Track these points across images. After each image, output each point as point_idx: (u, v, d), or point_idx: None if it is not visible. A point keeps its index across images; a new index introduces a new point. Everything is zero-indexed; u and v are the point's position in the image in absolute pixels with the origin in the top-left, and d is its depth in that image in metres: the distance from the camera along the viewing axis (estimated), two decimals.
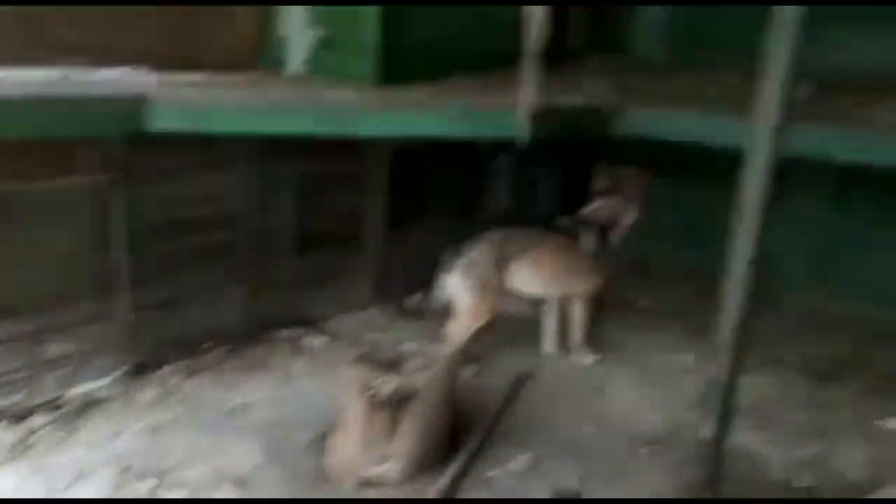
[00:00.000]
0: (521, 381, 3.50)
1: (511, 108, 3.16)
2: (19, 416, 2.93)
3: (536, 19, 2.86)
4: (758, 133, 2.06)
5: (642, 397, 3.46)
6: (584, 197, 5.80)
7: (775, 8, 1.95)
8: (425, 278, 4.63)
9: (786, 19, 1.94)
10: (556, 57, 5.04)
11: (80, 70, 3.56)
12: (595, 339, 4.07)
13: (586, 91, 4.19)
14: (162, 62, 3.86)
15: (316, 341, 3.83)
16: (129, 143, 3.02)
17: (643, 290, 4.82)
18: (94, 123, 2.84)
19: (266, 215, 3.73)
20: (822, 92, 3.95)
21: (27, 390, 3.05)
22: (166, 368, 3.40)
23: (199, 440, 2.89)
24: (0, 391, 2.99)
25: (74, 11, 3.65)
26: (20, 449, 2.74)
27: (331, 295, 4.40)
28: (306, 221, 3.98)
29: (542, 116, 3.14)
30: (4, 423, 2.88)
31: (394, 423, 2.66)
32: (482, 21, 4.43)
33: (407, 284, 4.52)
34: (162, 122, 2.91)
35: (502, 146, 4.83)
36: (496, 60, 4.33)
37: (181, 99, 3.03)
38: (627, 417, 3.28)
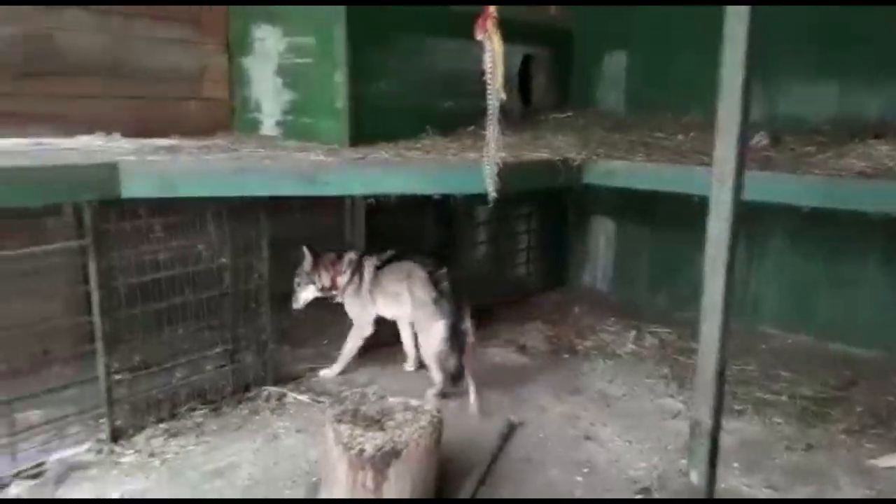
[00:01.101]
0: (510, 429, 3.50)
1: (478, 164, 3.26)
2: None
3: (495, 78, 2.96)
4: (716, 180, 2.14)
5: (630, 444, 3.47)
6: (560, 245, 5.96)
7: (724, 59, 2.07)
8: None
9: (734, 72, 2.05)
10: (524, 112, 5.27)
11: (51, 138, 3.64)
12: (580, 384, 4.11)
13: (553, 145, 4.33)
14: (135, 127, 3.96)
15: (299, 398, 3.80)
16: (100, 209, 3.03)
17: (626, 334, 4.86)
18: (64, 191, 2.87)
19: (242, 275, 3.74)
20: (778, 140, 4.16)
21: (6, 458, 2.99)
22: (147, 431, 3.35)
23: None
24: None
25: (48, 81, 3.75)
26: None
27: (313, 351, 4.41)
28: (284, 279, 4.01)
29: (508, 171, 3.24)
30: None
31: (380, 480, 2.64)
32: (449, 81, 4.60)
33: (390, 336, 4.54)
34: (132, 188, 2.99)
35: (477, 200, 4.98)
36: (465, 117, 4.49)
37: (151, 166, 3.10)
38: (616, 465, 3.28)
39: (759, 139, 4.14)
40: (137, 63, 4.11)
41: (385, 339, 4.49)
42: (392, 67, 4.20)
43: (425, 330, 3.71)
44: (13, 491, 2.85)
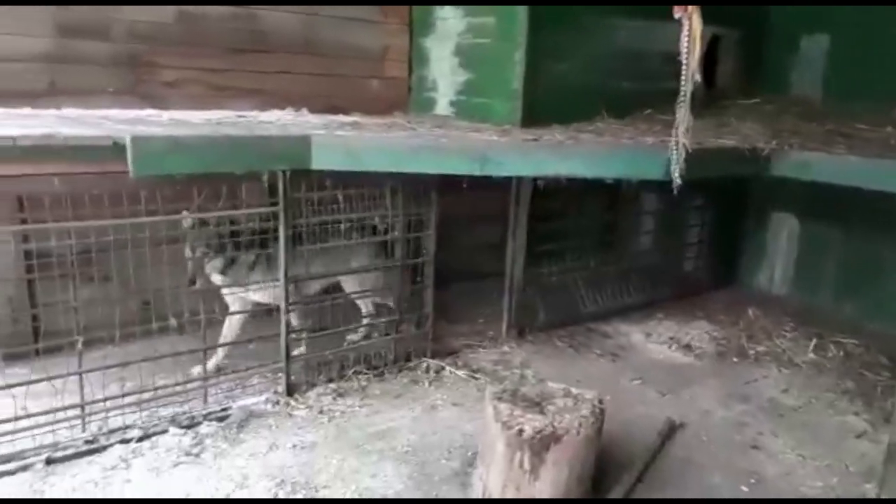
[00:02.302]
0: (671, 429, 3.36)
1: (660, 149, 3.12)
2: (189, 424, 3.18)
3: (691, 60, 2.80)
4: None
5: (804, 460, 3.20)
6: (734, 241, 5.58)
7: None
8: (564, 316, 4.62)
9: None
10: (708, 97, 4.96)
11: (250, 111, 3.96)
12: (750, 391, 3.86)
13: (740, 132, 4.05)
14: (321, 103, 4.21)
15: (456, 372, 3.88)
16: (292, 178, 3.24)
17: (805, 342, 4.49)
18: (265, 160, 3.09)
19: (411, 249, 3.87)
20: None
21: (197, 400, 3.33)
22: (317, 389, 3.59)
23: (347, 460, 3.00)
24: (174, 399, 3.29)
25: (250, 58, 4.07)
26: (191, 454, 2.97)
27: (470, 328, 4.49)
28: (448, 255, 4.09)
29: (694, 157, 3.06)
30: (175, 428, 3.14)
31: (537, 463, 2.64)
32: (628, 62, 4.44)
33: (544, 322, 4.52)
34: (322, 160, 3.14)
35: (648, 187, 4.78)
36: (642, 100, 4.32)
37: (339, 140, 3.24)
38: (787, 479, 3.04)
39: None
40: (327, 42, 4.36)
41: (541, 323, 4.49)
42: (570, 48, 4.12)
43: None
44: (203, 430, 3.16)
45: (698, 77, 2.72)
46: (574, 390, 2.90)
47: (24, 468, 2.79)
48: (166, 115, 3.62)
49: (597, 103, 4.18)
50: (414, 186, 3.69)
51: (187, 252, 3.35)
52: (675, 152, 2.95)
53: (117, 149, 2.67)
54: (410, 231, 3.83)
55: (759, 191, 5.30)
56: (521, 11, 3.80)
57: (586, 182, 3.48)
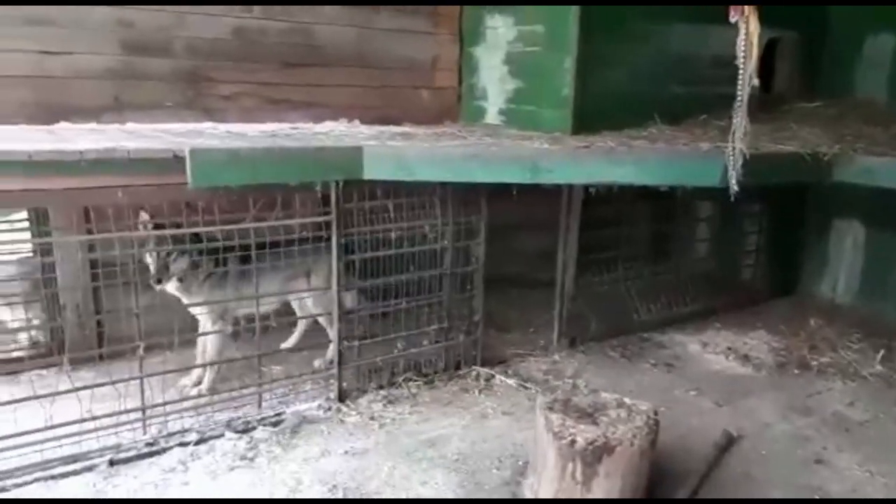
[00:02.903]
0: (728, 441, 3.26)
1: (716, 155, 3.05)
2: (244, 429, 3.25)
3: (748, 64, 2.73)
4: None
5: (871, 476, 3.06)
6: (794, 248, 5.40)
7: None
8: (616, 326, 4.55)
9: None
10: (765, 101, 4.83)
11: (304, 123, 4.05)
12: (813, 404, 3.72)
13: (800, 137, 3.94)
14: (372, 114, 4.27)
15: (507, 381, 3.86)
16: (345, 188, 3.29)
17: (872, 353, 4.32)
18: (319, 171, 3.15)
19: (461, 257, 3.87)
20: None
21: (252, 406, 3.40)
22: (368, 396, 3.61)
23: (398, 467, 3.01)
24: (231, 404, 3.37)
25: (305, 72, 4.17)
26: (246, 458, 3.03)
27: (520, 337, 4.46)
28: (499, 264, 4.08)
29: (751, 163, 2.99)
30: (231, 433, 3.21)
31: (590, 475, 2.60)
32: (681, 67, 4.37)
33: (596, 331, 4.46)
34: (373, 171, 3.18)
35: (703, 194, 4.68)
36: (696, 106, 4.24)
37: (390, 150, 3.28)
38: (854, 496, 2.92)
39: None
40: (378, 53, 4.43)
41: (593, 332, 4.43)
42: (621, 54, 4.08)
43: None
44: (258, 435, 3.22)
45: (756, 81, 2.65)
46: (628, 401, 2.85)
47: (89, 468, 2.89)
48: (223, 127, 3.73)
49: (649, 109, 4.12)
50: (463, 195, 3.70)
51: (148, 255, 3.23)
52: (731, 158, 2.88)
53: (177, 161, 2.76)
54: (460, 239, 3.83)
55: (820, 196, 5.12)
56: (572, 19, 3.78)
57: (639, 189, 3.43)
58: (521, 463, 3.05)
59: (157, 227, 3.15)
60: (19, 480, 2.78)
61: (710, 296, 5.05)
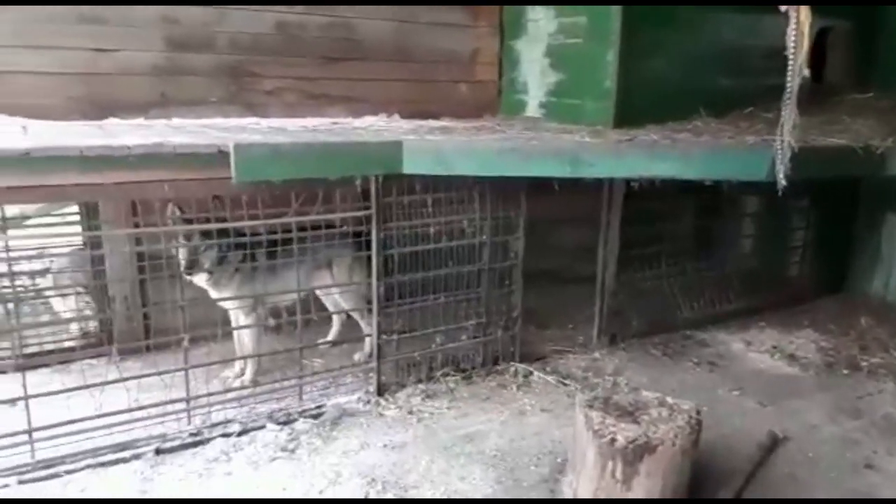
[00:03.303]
0: (773, 442, 3.19)
1: (763, 149, 2.97)
2: (285, 421, 3.29)
3: (798, 54, 2.65)
4: None
5: None
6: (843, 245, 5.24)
7: None
8: (658, 323, 4.48)
9: None
10: (816, 93, 4.68)
11: (343, 118, 4.07)
12: (863, 406, 3.61)
13: (851, 129, 3.81)
14: (411, 108, 4.27)
15: (545, 378, 3.84)
16: (384, 183, 3.30)
17: None
18: (359, 166, 3.16)
19: (499, 252, 3.85)
20: None
21: (293, 398, 3.45)
22: (407, 390, 3.63)
23: (436, 461, 3.02)
24: (272, 396, 3.42)
25: (345, 66, 4.19)
26: (287, 450, 3.08)
27: (559, 333, 4.42)
28: (538, 259, 4.05)
29: (800, 157, 2.89)
30: (273, 424, 3.26)
31: (630, 474, 2.57)
32: (727, 58, 4.26)
33: (637, 329, 4.40)
34: (413, 165, 3.18)
35: (748, 188, 4.57)
36: (742, 98, 4.14)
37: (430, 144, 3.28)
38: None
39: None
40: (418, 48, 4.43)
41: (634, 330, 4.37)
42: (665, 45, 3.99)
43: None
44: (299, 426, 3.27)
45: (806, 72, 2.57)
46: (669, 400, 2.81)
47: (137, 457, 2.96)
48: (265, 122, 3.78)
49: (694, 102, 4.03)
50: (502, 189, 3.67)
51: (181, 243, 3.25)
52: (780, 152, 2.80)
53: (221, 156, 2.81)
54: (499, 234, 3.81)
55: (872, 191, 4.95)
56: (615, 10, 3.72)
57: (682, 183, 3.36)
58: (559, 460, 3.03)
59: (186, 220, 3.20)
60: (71, 467, 2.86)
61: (754, 293, 4.94)
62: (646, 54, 3.92)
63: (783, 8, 2.48)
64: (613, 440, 2.56)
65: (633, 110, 3.86)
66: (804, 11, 2.45)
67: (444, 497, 2.79)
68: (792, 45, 2.50)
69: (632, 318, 4.39)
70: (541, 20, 4.29)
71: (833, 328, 4.62)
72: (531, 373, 3.89)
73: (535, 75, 4.43)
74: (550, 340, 4.32)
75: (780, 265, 5.27)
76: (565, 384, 3.77)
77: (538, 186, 3.59)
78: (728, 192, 4.71)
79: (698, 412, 2.72)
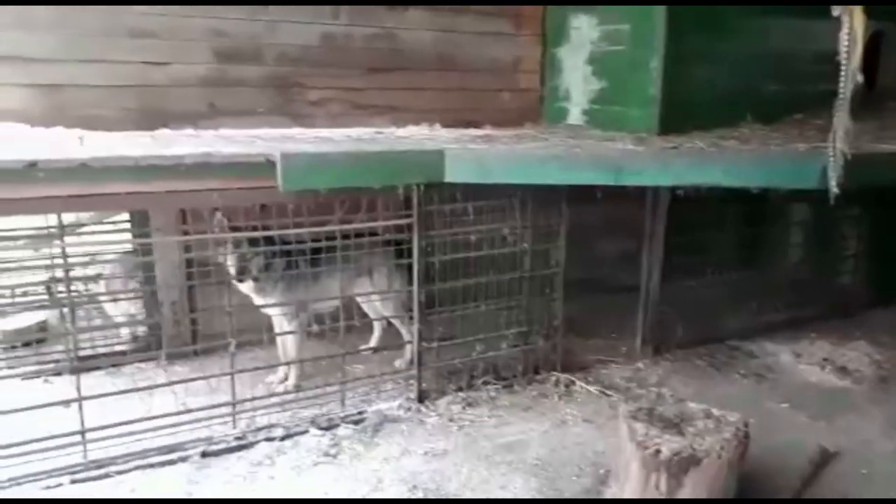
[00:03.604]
0: (823, 458, 3.10)
1: (814, 156, 2.90)
2: (327, 426, 3.33)
3: (851, 59, 2.58)
4: None
5: None
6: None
7: None
8: (704, 333, 4.40)
9: None
10: (869, 98, 4.55)
11: (386, 128, 4.11)
12: None
13: None
14: (453, 117, 4.29)
15: (587, 388, 3.80)
16: (426, 191, 3.33)
17: None
18: (402, 174, 3.19)
19: (540, 260, 3.83)
20: None
21: (335, 403, 3.49)
22: (447, 397, 3.64)
23: (477, 470, 3.02)
24: (315, 401, 3.46)
25: (388, 76, 4.24)
26: (329, 455, 3.11)
27: (601, 343, 4.37)
28: (579, 267, 4.01)
29: (853, 164, 2.82)
30: (315, 429, 3.30)
31: (675, 486, 2.52)
32: (775, 63, 4.18)
33: (682, 339, 4.32)
34: (455, 173, 3.19)
35: (797, 196, 4.46)
36: (791, 104, 4.05)
37: (471, 153, 3.29)
38: None
39: None
40: (461, 57, 4.46)
41: (678, 340, 4.30)
42: (711, 51, 3.93)
43: None
44: (341, 432, 3.30)
45: (860, 77, 2.50)
46: (716, 411, 2.75)
47: (184, 459, 3.03)
48: (310, 133, 3.84)
49: (741, 108, 3.97)
50: (544, 197, 3.66)
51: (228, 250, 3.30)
52: (832, 159, 2.73)
53: (269, 165, 2.87)
54: (540, 242, 3.79)
55: None
56: (659, 17, 3.69)
57: (729, 191, 3.30)
58: (602, 471, 2.99)
59: (233, 229, 3.25)
60: (121, 467, 2.94)
61: (804, 303, 4.81)
62: (691, 60, 3.87)
63: (836, 11, 2.43)
64: (658, 452, 2.52)
65: (677, 117, 3.82)
66: (858, 15, 2.39)
67: None
68: (845, 49, 2.44)
69: (676, 328, 4.31)
70: (583, 28, 4.28)
71: (886, 340, 4.46)
72: (573, 382, 3.86)
73: (577, 83, 4.41)
74: (592, 350, 4.28)
75: (831, 275, 5.13)
76: (608, 395, 3.73)
77: (580, 194, 3.57)
78: (776, 199, 4.63)
79: (746, 424, 2.66)
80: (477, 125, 4.27)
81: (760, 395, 3.81)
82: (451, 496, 2.84)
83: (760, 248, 5.10)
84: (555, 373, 3.92)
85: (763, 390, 3.87)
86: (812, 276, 5.05)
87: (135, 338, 4.09)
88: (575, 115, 4.46)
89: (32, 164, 2.52)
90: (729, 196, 3.73)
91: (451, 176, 3.17)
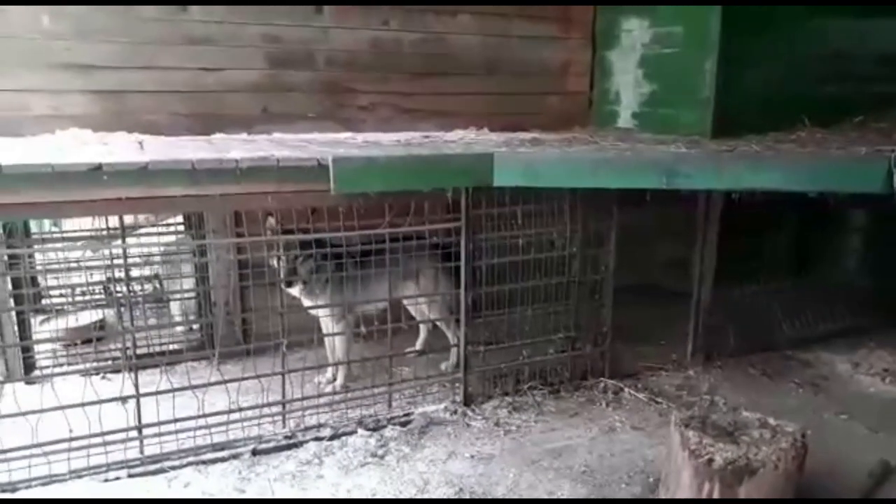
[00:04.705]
0: (884, 471, 2.98)
1: (876, 160, 2.79)
2: (375, 427, 3.35)
3: None
4: None
5: None
6: None
7: None
8: (757, 341, 4.28)
9: None
10: None
11: (435, 132, 4.13)
12: None
13: None
14: (501, 121, 4.29)
15: (636, 395, 3.74)
16: (474, 195, 3.33)
17: None
18: (450, 178, 3.20)
19: (589, 265, 3.79)
20: None
21: (382, 405, 3.51)
22: (493, 401, 3.63)
23: (523, 475, 3.00)
24: (363, 402, 3.50)
25: (437, 81, 4.26)
26: (376, 455, 3.13)
27: (651, 350, 4.30)
28: (629, 272, 3.96)
29: None
30: (362, 430, 3.32)
31: (728, 496, 2.46)
32: (833, 65, 4.05)
33: (734, 347, 4.22)
34: (503, 177, 3.19)
35: (855, 202, 4.31)
36: (850, 107, 3.92)
37: (520, 157, 3.27)
38: None
39: None
40: (509, 61, 4.46)
41: (730, 348, 4.20)
42: (767, 52, 3.85)
43: None
44: (388, 433, 3.32)
45: None
46: (772, 421, 2.68)
47: (235, 456, 3.09)
48: (360, 137, 3.89)
49: (797, 111, 3.85)
50: (593, 201, 3.62)
51: (277, 256, 3.37)
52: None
53: (321, 169, 2.91)
54: (589, 247, 3.76)
55: None
56: (714, 18, 3.62)
57: (785, 196, 3.21)
58: (651, 479, 2.94)
59: (284, 232, 3.31)
60: (175, 463, 3.02)
61: (863, 312, 4.64)
62: (746, 62, 3.78)
63: None
64: (711, 461, 2.47)
65: (731, 120, 3.74)
66: None
67: None
68: None
69: (728, 336, 4.22)
70: (635, 30, 4.23)
71: None
72: (621, 389, 3.81)
73: (628, 86, 4.37)
74: (641, 357, 4.21)
75: (891, 282, 4.93)
76: (657, 402, 3.67)
77: (630, 198, 3.51)
78: (834, 205, 4.48)
79: (804, 435, 2.59)
80: (525, 129, 4.26)
81: (816, 405, 3.69)
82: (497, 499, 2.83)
83: (816, 255, 4.96)
84: (603, 379, 3.88)
85: (819, 400, 3.75)
86: (871, 285, 4.87)
87: (189, 337, 4.19)
88: (625, 119, 4.41)
89: (97, 168, 2.61)
90: (785, 201, 3.63)
91: (499, 180, 3.17)
